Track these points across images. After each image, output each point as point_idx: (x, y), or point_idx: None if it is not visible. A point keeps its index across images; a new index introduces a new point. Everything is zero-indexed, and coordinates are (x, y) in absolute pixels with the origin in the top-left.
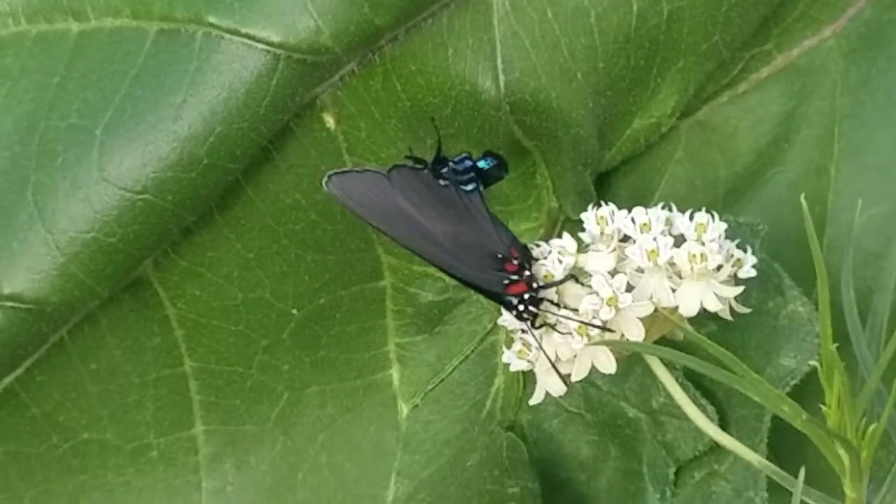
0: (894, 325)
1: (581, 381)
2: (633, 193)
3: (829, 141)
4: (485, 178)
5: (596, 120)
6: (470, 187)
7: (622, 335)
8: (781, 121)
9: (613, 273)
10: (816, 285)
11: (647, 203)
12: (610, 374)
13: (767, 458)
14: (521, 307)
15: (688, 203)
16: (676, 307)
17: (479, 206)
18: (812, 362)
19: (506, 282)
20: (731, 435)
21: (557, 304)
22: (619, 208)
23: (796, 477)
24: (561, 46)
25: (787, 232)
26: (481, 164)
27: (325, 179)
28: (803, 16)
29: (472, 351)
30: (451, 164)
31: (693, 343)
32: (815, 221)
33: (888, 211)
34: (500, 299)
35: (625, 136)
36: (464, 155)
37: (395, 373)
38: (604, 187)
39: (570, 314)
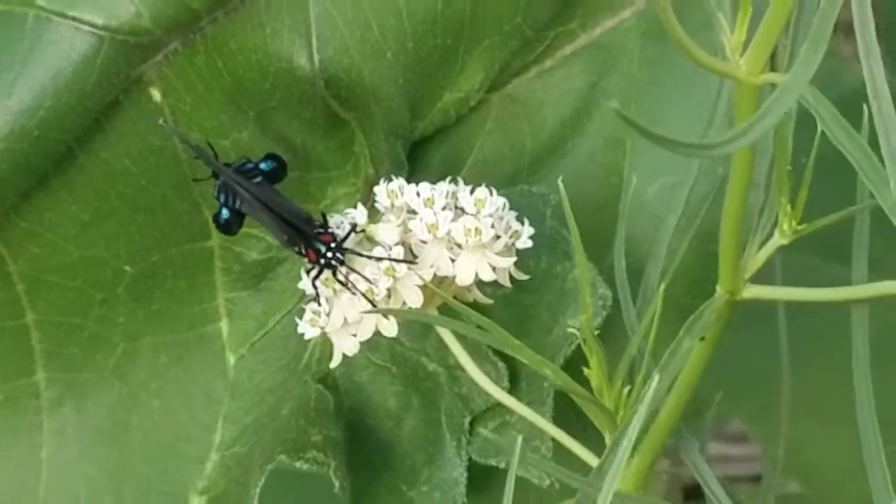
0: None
1: (389, 337)
2: (446, 161)
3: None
4: (268, 176)
5: (406, 95)
6: (257, 180)
7: (403, 302)
8: (584, 95)
9: (399, 244)
10: (612, 250)
11: (458, 170)
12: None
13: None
14: (330, 254)
15: (497, 170)
16: (455, 276)
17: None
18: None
19: (316, 231)
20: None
21: (360, 254)
22: (433, 176)
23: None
24: (372, 27)
25: (585, 199)
26: (262, 165)
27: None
28: None
29: (294, 306)
30: (233, 166)
31: (483, 305)
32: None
33: (676, 181)
34: (313, 244)
35: (435, 109)
36: (244, 160)
37: (224, 325)
38: (419, 156)
39: (370, 269)
